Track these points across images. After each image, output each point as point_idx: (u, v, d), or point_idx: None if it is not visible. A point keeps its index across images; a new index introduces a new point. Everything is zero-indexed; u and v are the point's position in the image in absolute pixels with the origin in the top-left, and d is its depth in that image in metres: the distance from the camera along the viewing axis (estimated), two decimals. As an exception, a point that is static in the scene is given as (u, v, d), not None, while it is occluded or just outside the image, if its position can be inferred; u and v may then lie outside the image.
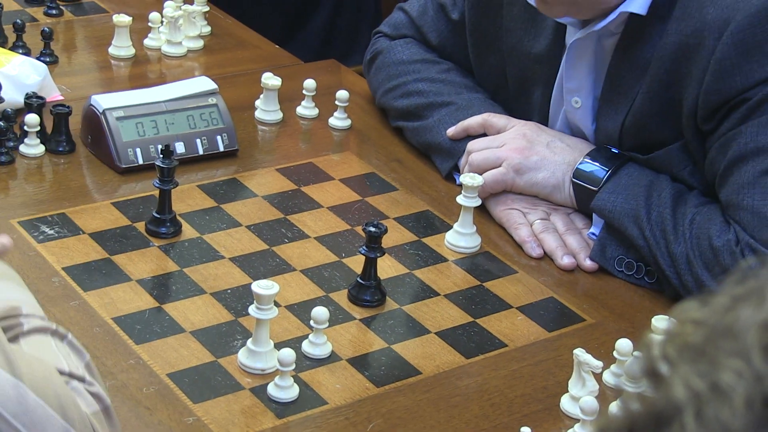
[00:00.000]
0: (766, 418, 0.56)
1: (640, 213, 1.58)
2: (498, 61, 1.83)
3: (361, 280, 1.52)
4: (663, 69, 1.60)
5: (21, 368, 1.00)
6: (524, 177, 1.68)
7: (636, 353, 1.28)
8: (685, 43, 1.56)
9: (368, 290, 1.51)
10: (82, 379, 1.08)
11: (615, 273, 1.61)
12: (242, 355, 1.38)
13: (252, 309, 1.36)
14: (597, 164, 1.66)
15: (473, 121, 1.77)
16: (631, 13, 1.60)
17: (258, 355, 1.38)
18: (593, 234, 1.65)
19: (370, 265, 1.51)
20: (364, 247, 1.51)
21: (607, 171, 1.64)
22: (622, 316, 1.54)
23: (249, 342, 1.38)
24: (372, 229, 1.50)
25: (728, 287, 0.62)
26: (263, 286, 1.35)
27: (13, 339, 1.10)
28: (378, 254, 1.51)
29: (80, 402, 1.06)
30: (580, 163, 1.67)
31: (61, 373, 1.07)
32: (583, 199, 1.67)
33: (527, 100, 1.80)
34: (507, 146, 1.70)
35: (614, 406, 1.29)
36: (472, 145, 1.74)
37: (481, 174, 1.68)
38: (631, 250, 1.60)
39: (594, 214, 1.65)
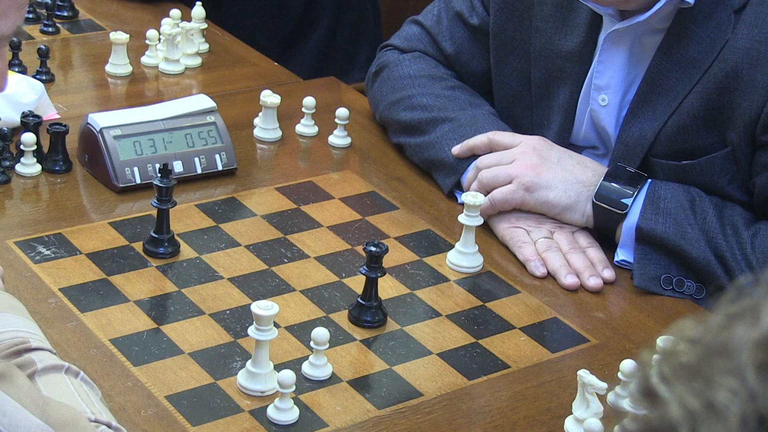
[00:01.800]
0: None
1: (696, 236, 1.60)
2: (521, 64, 1.83)
3: (361, 301, 1.52)
4: (724, 72, 1.60)
5: (52, 415, 1.00)
6: (534, 195, 1.69)
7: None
8: (756, 49, 1.57)
9: (369, 311, 1.51)
10: (108, 425, 1.09)
11: (662, 293, 1.62)
12: (242, 377, 1.39)
13: (251, 330, 1.37)
14: (617, 189, 1.66)
15: (479, 141, 1.77)
16: (679, 10, 1.60)
17: (257, 376, 1.38)
18: (625, 261, 1.66)
19: (371, 285, 1.52)
20: (364, 267, 1.51)
21: (631, 194, 1.65)
22: (627, 337, 1.55)
23: (248, 364, 1.39)
24: (372, 248, 1.50)
25: (723, 305, 0.63)
26: (263, 307, 1.36)
27: (29, 378, 1.11)
28: (379, 274, 1.51)
29: None
30: (600, 187, 1.66)
31: (89, 419, 1.07)
32: (604, 221, 1.67)
33: (550, 103, 1.80)
34: (518, 162, 1.70)
35: (617, 428, 1.29)
36: (481, 161, 1.74)
37: (489, 192, 1.68)
38: (674, 267, 1.61)
39: (621, 239, 1.65)
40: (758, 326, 0.60)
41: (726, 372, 0.59)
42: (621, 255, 1.67)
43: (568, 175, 1.69)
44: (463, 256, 1.65)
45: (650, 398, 0.61)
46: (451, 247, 1.67)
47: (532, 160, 1.70)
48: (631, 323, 1.58)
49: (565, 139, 1.78)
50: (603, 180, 1.67)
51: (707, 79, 1.61)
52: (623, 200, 1.65)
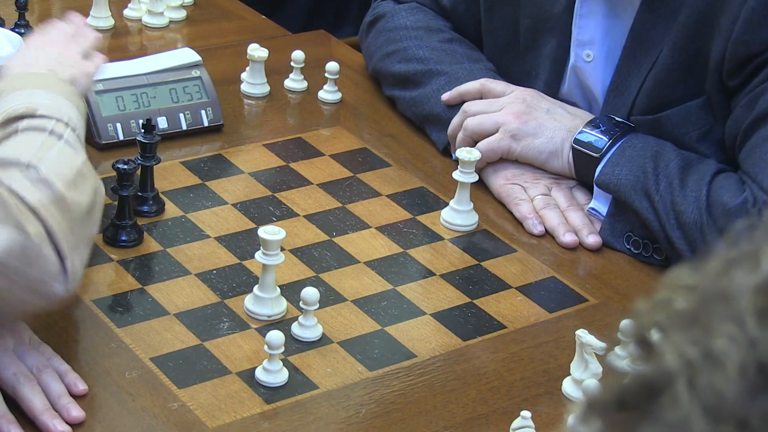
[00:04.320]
0: (760, 384, 0.57)
1: (647, 185, 1.57)
2: (510, 13, 1.82)
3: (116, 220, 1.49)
4: (692, 18, 1.59)
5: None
6: (521, 143, 1.68)
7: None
8: None
9: (124, 230, 1.52)
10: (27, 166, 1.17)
11: (624, 251, 1.61)
12: (249, 302, 1.43)
13: (258, 255, 1.40)
14: (597, 132, 1.65)
15: (470, 86, 1.76)
16: None
17: (264, 301, 1.42)
18: (594, 210, 1.65)
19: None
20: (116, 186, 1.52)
21: (608, 139, 1.64)
22: (627, 296, 1.54)
23: (255, 288, 1.42)
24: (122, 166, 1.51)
25: (721, 250, 0.62)
26: (270, 232, 1.39)
27: (10, 134, 1.21)
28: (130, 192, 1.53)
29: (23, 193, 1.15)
30: (580, 132, 1.66)
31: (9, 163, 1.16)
32: (582, 168, 1.66)
33: (539, 52, 1.78)
34: (505, 110, 1.70)
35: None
36: (468, 106, 1.74)
37: (476, 141, 1.68)
38: (638, 227, 1.60)
39: (595, 189, 1.65)
40: (758, 271, 0.59)
41: (725, 319, 0.58)
42: (593, 204, 1.66)
43: (555, 123, 1.69)
44: (458, 214, 1.65)
45: (645, 349, 0.60)
46: (446, 204, 1.67)
47: (520, 108, 1.69)
48: (631, 282, 1.57)
49: (554, 90, 1.77)
50: (585, 127, 1.66)
51: (678, 28, 1.60)
52: (599, 144, 1.64)
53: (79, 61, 1.43)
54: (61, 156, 1.24)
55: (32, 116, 1.26)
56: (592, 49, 1.71)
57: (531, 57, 1.80)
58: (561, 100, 1.79)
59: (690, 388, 0.57)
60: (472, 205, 1.65)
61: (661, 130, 1.64)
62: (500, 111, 1.70)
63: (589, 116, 1.70)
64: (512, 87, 1.74)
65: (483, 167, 1.71)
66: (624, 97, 1.68)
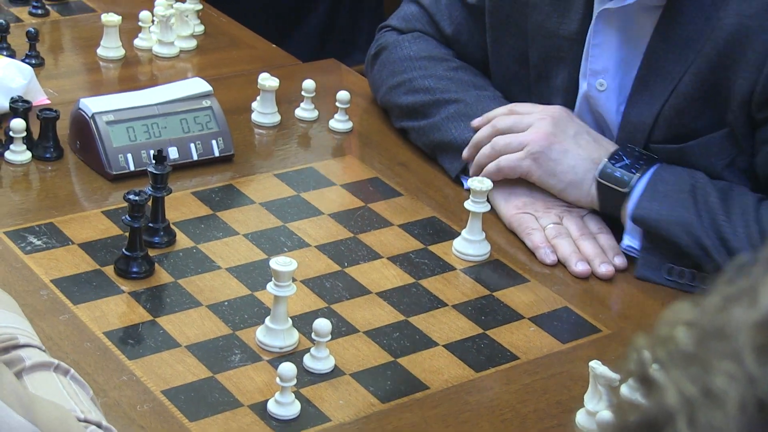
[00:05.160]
0: (760, 421, 0.57)
1: (691, 221, 1.57)
2: (518, 43, 1.82)
3: (126, 252, 1.54)
4: (715, 51, 1.59)
5: (38, 414, 1.00)
6: (542, 168, 1.68)
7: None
8: (745, 25, 1.56)
9: (135, 261, 1.52)
10: (98, 425, 1.09)
11: (665, 284, 1.61)
12: (260, 334, 1.43)
13: (270, 286, 1.41)
14: (622, 167, 1.65)
15: (499, 111, 1.76)
16: (722, 23, 1.59)
17: (276, 332, 1.42)
18: (630, 248, 1.65)
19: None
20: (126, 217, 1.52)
21: (635, 173, 1.63)
22: (640, 326, 1.54)
23: (267, 320, 1.43)
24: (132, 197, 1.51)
25: (720, 287, 0.62)
26: (281, 263, 1.40)
27: (17, 375, 1.11)
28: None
29: None
30: (604, 165, 1.65)
31: (77, 419, 1.07)
32: (608, 202, 1.66)
33: (549, 84, 1.79)
34: (532, 129, 1.70)
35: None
36: (498, 122, 1.73)
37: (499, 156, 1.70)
38: (678, 257, 1.60)
39: (628, 224, 1.64)
40: (756, 308, 0.59)
41: (724, 356, 0.58)
42: (627, 241, 1.66)
43: (580, 151, 1.68)
44: (470, 244, 1.65)
45: (646, 385, 0.61)
46: (457, 234, 1.67)
47: (548, 129, 1.69)
48: (644, 312, 1.57)
49: None
50: (608, 159, 1.66)
51: (701, 58, 1.61)
52: (626, 179, 1.64)
53: None
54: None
55: (20, 345, 1.17)
56: (606, 78, 1.72)
57: (542, 88, 1.81)
58: None
59: (690, 426, 0.58)
60: (484, 234, 1.66)
61: (684, 160, 1.65)
62: (528, 130, 1.70)
63: (613, 146, 1.69)
64: (540, 106, 1.74)
65: (493, 197, 1.71)
66: (640, 126, 1.68)
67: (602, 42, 1.70)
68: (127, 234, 1.55)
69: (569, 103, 1.77)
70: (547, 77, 1.79)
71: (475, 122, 1.78)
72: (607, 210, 1.67)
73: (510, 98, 1.85)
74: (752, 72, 1.56)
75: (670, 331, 0.62)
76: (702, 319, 0.61)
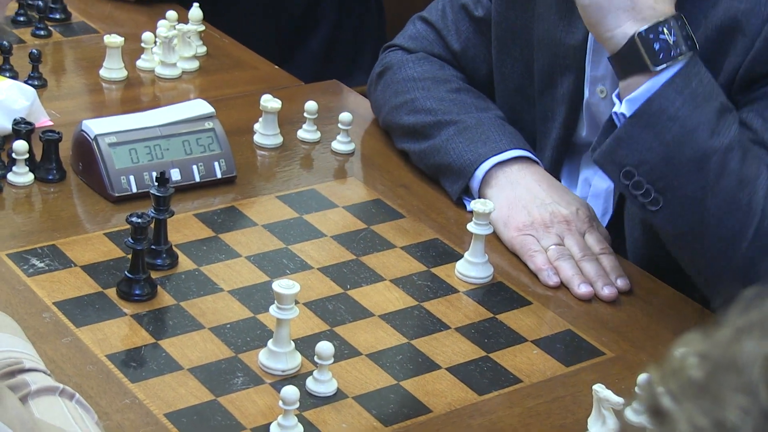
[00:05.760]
0: None
1: (710, 143, 1.48)
2: (523, 54, 1.83)
3: (128, 274, 1.54)
4: (707, 42, 1.58)
5: None
6: None
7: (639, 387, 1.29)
8: (736, 11, 1.56)
9: (137, 284, 1.53)
10: None
11: (616, 182, 1.54)
12: (263, 356, 1.44)
13: (273, 309, 1.42)
14: (671, 37, 1.51)
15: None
16: (715, 15, 1.59)
17: (279, 355, 1.43)
18: (617, 114, 1.54)
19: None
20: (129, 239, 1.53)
21: (680, 56, 1.51)
22: (644, 349, 1.55)
23: (270, 343, 1.44)
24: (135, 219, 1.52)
25: (732, 318, 0.63)
26: (284, 286, 1.41)
27: (22, 400, 1.11)
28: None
29: None
30: (649, 30, 1.51)
31: None
32: (627, 63, 1.53)
33: (554, 94, 1.79)
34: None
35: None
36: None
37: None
38: (644, 166, 1.51)
39: (635, 95, 1.52)
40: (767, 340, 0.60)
41: (736, 389, 0.59)
42: (622, 107, 1.53)
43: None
44: (473, 266, 1.66)
45: (658, 417, 0.61)
46: (460, 256, 1.68)
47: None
48: (648, 335, 1.58)
49: (571, 131, 1.78)
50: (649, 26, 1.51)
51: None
52: (662, 56, 1.51)
53: None
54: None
55: (25, 370, 1.18)
56: (605, 84, 1.73)
57: (546, 99, 1.81)
58: (578, 143, 1.80)
59: None
60: (487, 257, 1.66)
61: None
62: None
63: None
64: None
65: (493, 220, 1.69)
66: None
67: (600, 47, 1.71)
68: (129, 256, 1.55)
69: (573, 112, 1.78)
70: (552, 87, 1.80)
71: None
72: (619, 68, 1.55)
73: (516, 112, 1.86)
74: (738, 56, 1.56)
75: (682, 362, 0.62)
76: (713, 351, 0.61)
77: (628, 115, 1.52)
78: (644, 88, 1.51)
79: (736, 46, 1.57)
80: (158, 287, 1.56)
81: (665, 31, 1.52)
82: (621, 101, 1.55)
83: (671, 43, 1.52)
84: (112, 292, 1.55)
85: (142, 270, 1.54)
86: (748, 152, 1.51)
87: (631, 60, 1.53)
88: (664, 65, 1.51)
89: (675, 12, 1.55)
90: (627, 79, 1.54)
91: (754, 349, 0.60)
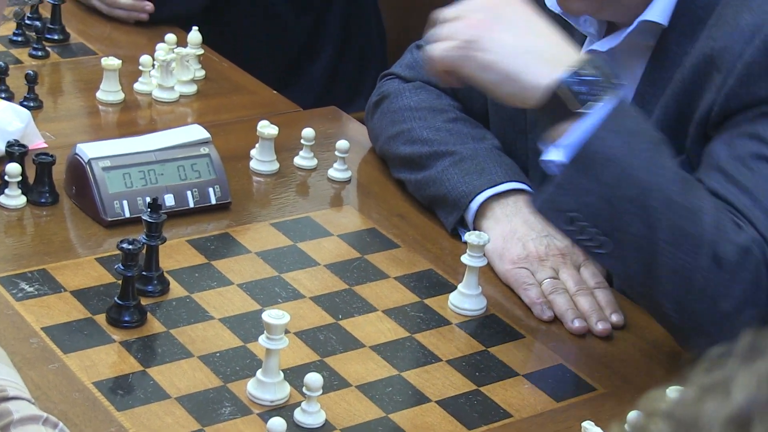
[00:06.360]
0: None
1: (647, 178, 1.44)
2: None
3: (118, 300, 1.54)
4: (681, 80, 1.59)
5: None
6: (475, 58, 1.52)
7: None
8: (710, 51, 1.56)
9: (127, 311, 1.54)
10: None
11: (561, 229, 1.49)
12: (251, 386, 1.44)
13: (262, 339, 1.42)
14: (584, 83, 1.47)
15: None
16: (663, 30, 1.60)
17: (267, 386, 1.43)
18: (553, 162, 1.48)
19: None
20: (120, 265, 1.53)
21: (597, 97, 1.46)
22: (636, 386, 1.55)
23: (259, 373, 1.44)
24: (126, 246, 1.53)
25: (697, 376, 0.63)
26: (274, 316, 1.41)
27: (4, 429, 1.11)
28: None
29: None
30: (565, 76, 1.47)
31: None
32: (552, 112, 1.48)
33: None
34: (466, 18, 1.55)
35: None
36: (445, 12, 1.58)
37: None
38: (591, 212, 1.46)
39: (566, 141, 1.47)
40: (729, 402, 0.60)
41: None
42: (554, 154, 1.48)
43: (531, 44, 1.52)
44: (466, 298, 1.66)
45: None
46: (454, 288, 1.68)
47: (493, 13, 1.54)
48: (640, 371, 1.58)
49: None
50: (569, 74, 1.47)
51: (671, 89, 1.62)
52: (585, 98, 1.46)
53: None
54: None
55: (9, 398, 1.18)
56: None
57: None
58: None
59: None
60: (480, 289, 1.66)
61: None
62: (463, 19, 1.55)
63: (574, 51, 1.52)
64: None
65: (488, 252, 1.69)
66: None
67: None
68: (120, 282, 1.55)
69: None
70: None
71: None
72: (545, 118, 1.50)
73: (507, 143, 1.86)
74: (713, 93, 1.56)
75: (647, 421, 0.63)
76: (677, 411, 0.62)
77: (564, 160, 1.47)
78: (577, 132, 1.47)
79: (711, 82, 1.57)
80: (148, 314, 1.56)
81: (586, 72, 1.47)
82: (552, 147, 1.50)
83: (595, 83, 1.48)
84: (101, 318, 1.55)
85: (132, 296, 1.54)
86: (688, 182, 1.49)
87: (558, 108, 1.48)
88: (591, 108, 1.46)
89: (589, 55, 1.53)
90: (557, 126, 1.49)
91: (714, 410, 0.60)
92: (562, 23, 1.71)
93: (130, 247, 1.53)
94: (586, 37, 1.74)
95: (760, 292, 1.46)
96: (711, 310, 1.45)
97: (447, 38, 1.54)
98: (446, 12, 1.58)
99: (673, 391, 0.65)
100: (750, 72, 1.53)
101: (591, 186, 1.46)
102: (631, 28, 1.63)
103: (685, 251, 1.45)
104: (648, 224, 1.45)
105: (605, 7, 1.64)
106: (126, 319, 1.54)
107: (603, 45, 1.68)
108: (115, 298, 1.54)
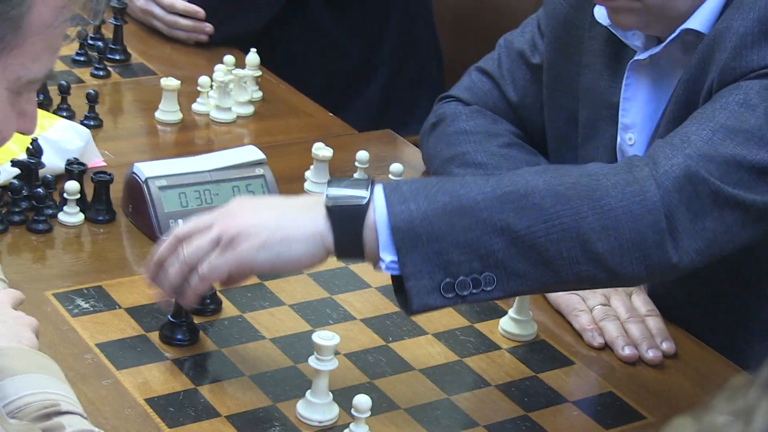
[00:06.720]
0: None
1: (471, 203, 1.41)
2: (569, 102, 1.85)
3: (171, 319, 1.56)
4: (691, 74, 1.61)
5: None
6: (245, 247, 1.43)
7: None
8: (716, 36, 1.58)
9: (179, 328, 1.55)
10: None
11: (447, 305, 1.42)
12: (301, 407, 1.46)
13: (312, 360, 1.44)
14: (344, 188, 1.44)
15: (163, 246, 1.50)
16: (704, 39, 1.61)
17: (317, 406, 1.45)
18: (393, 265, 1.42)
19: None
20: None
21: (364, 188, 1.43)
22: (685, 414, 1.54)
23: (308, 393, 1.46)
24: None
25: (720, 404, 0.64)
26: (324, 337, 1.43)
27: None
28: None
29: None
30: (328, 190, 1.44)
31: None
32: (344, 227, 1.42)
33: (596, 143, 1.80)
34: (218, 223, 1.47)
35: None
36: (177, 231, 1.49)
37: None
38: (449, 265, 1.40)
39: (384, 239, 1.41)
40: (750, 429, 0.61)
41: None
42: (385, 255, 1.41)
43: (280, 209, 1.47)
44: (516, 324, 1.66)
45: None
46: (504, 313, 1.68)
47: (232, 211, 1.48)
48: (690, 401, 1.58)
49: None
50: (328, 186, 1.45)
51: (680, 85, 1.64)
52: (359, 194, 1.42)
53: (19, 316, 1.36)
54: None
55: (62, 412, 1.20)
56: (634, 132, 1.74)
57: (588, 148, 1.82)
58: None
59: None
60: (531, 314, 1.67)
61: None
62: (213, 226, 1.47)
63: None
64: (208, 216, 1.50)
65: None
66: None
67: (632, 96, 1.72)
68: (173, 300, 1.58)
69: (613, 161, 1.78)
70: (594, 137, 1.81)
71: (147, 277, 1.51)
72: (344, 241, 1.43)
73: (559, 160, 1.87)
74: (713, 73, 1.57)
75: None
76: None
77: (393, 257, 1.41)
78: (379, 234, 1.41)
79: (714, 64, 1.58)
80: (200, 332, 1.59)
81: (336, 183, 1.45)
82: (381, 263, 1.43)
83: (352, 184, 1.44)
84: (154, 336, 1.57)
85: (185, 315, 1.57)
86: (499, 176, 1.45)
87: (346, 224, 1.42)
88: (368, 199, 1.41)
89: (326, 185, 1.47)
90: (360, 244, 1.43)
91: None
92: (611, 36, 1.73)
93: None
94: (635, 52, 1.74)
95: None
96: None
97: (206, 250, 1.44)
98: (185, 228, 1.48)
99: (697, 419, 0.66)
100: (743, 43, 1.54)
101: (431, 250, 1.40)
102: (673, 35, 1.64)
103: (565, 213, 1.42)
104: (502, 229, 1.40)
105: (652, 21, 1.66)
106: (179, 337, 1.57)
107: (645, 54, 1.70)
108: (169, 317, 1.57)
